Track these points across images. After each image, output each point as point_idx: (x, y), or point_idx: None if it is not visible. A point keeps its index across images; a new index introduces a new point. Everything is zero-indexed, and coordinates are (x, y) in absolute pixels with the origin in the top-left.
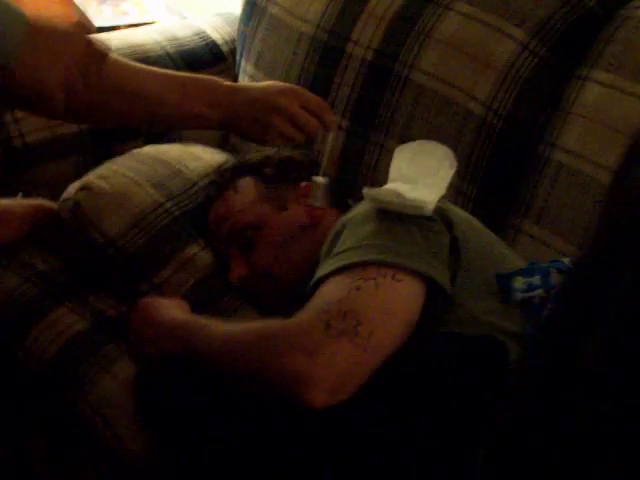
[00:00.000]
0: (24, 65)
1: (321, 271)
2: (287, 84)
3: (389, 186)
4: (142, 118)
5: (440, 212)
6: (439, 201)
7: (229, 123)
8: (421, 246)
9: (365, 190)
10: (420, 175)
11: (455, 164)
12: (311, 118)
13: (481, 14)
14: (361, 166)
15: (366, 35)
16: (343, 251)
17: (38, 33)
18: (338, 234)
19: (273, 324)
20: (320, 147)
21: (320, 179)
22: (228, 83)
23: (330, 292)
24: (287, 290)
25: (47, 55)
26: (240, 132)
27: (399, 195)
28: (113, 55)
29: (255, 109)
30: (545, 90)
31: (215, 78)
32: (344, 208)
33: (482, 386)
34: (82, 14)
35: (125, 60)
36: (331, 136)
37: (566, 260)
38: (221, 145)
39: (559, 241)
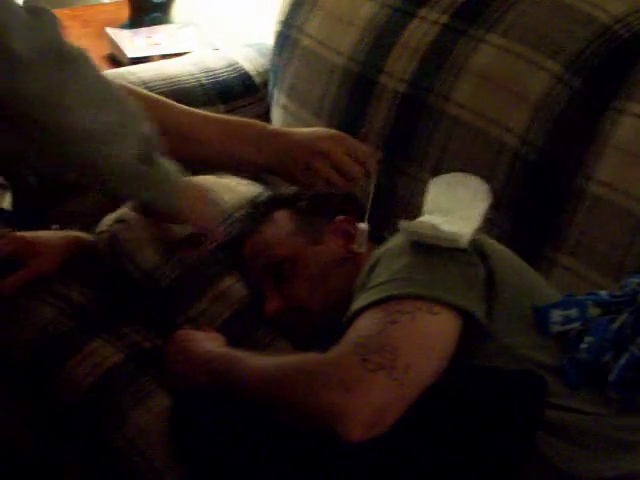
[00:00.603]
0: None
1: (356, 304)
2: (332, 130)
3: (424, 218)
4: (184, 158)
5: (475, 245)
6: (474, 234)
7: (272, 166)
8: (457, 279)
9: (401, 223)
10: (455, 207)
11: (489, 197)
12: (354, 164)
13: (514, 46)
14: (395, 198)
15: (399, 67)
16: (378, 284)
17: None
18: (373, 267)
19: (309, 358)
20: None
21: (364, 226)
22: (272, 127)
23: (366, 326)
24: (322, 324)
25: None
26: (283, 175)
27: (434, 227)
28: (156, 95)
29: (299, 153)
30: (580, 122)
31: (258, 121)
32: (379, 241)
33: (520, 420)
34: None
35: (166, 100)
36: (373, 182)
37: (603, 293)
38: (254, 177)
39: (594, 274)
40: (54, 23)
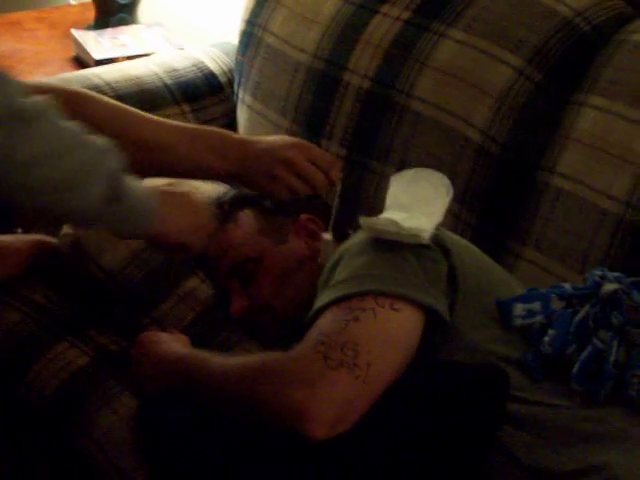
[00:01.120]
0: None
1: (319, 302)
2: (295, 138)
3: (385, 215)
4: (149, 167)
5: (437, 240)
6: (436, 229)
7: (237, 175)
8: (419, 275)
9: (361, 220)
10: (417, 203)
11: (452, 191)
12: (318, 173)
13: (476, 41)
14: (360, 194)
15: (362, 63)
16: (340, 282)
17: None
18: (335, 264)
19: (271, 357)
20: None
21: (328, 237)
22: (237, 135)
23: (328, 324)
24: (287, 322)
25: None
26: (248, 184)
27: (395, 224)
28: (118, 103)
29: (263, 161)
30: (542, 116)
31: (224, 130)
32: (342, 237)
33: (482, 414)
34: None
35: (130, 108)
36: (336, 191)
37: (567, 286)
38: None
39: (559, 267)
40: (7, 83)
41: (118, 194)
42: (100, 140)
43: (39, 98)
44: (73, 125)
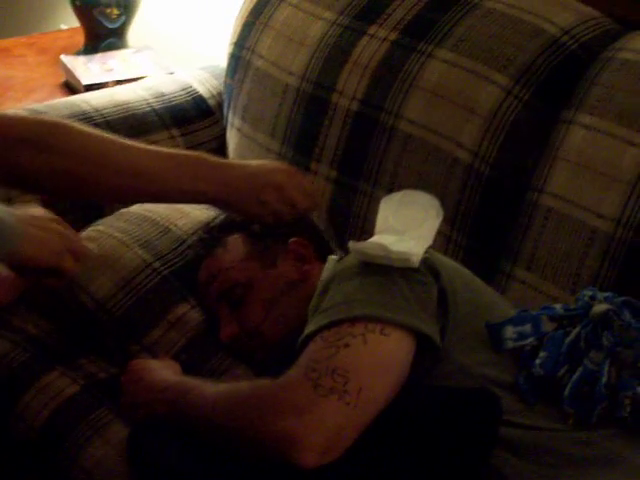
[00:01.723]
0: None
1: (309, 328)
2: (283, 163)
3: (375, 238)
4: (134, 195)
5: (427, 263)
6: (426, 252)
7: (224, 199)
8: (409, 299)
9: (350, 244)
10: (406, 226)
11: (442, 213)
12: (304, 199)
13: (463, 61)
14: (350, 217)
15: (351, 85)
16: (330, 307)
17: None
18: (325, 289)
19: (261, 385)
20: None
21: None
22: (223, 160)
23: (318, 350)
24: (278, 347)
25: None
26: (233, 208)
27: (384, 248)
28: (100, 132)
29: (252, 185)
30: (531, 135)
31: (209, 155)
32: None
33: (474, 438)
34: None
35: (113, 137)
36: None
37: (557, 307)
38: None
39: (550, 286)
40: None
41: None
42: None
43: None
44: None
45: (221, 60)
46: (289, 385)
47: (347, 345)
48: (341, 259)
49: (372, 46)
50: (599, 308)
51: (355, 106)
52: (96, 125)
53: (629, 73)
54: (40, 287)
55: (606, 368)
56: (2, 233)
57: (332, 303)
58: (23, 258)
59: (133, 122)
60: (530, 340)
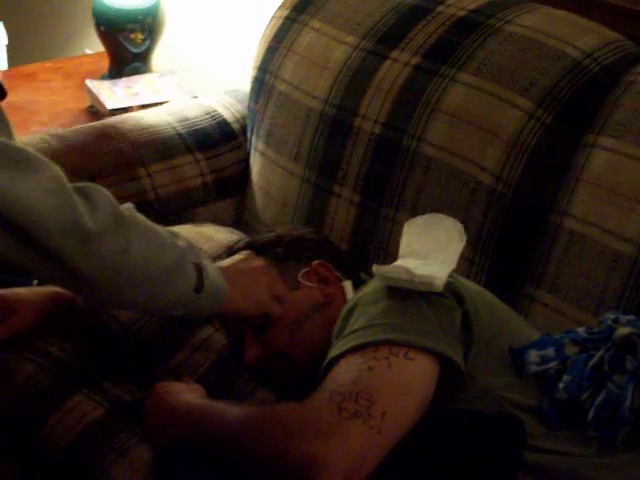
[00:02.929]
0: None
1: (333, 352)
2: None
3: (399, 262)
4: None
5: (451, 287)
6: (450, 275)
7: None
8: (433, 323)
9: (374, 268)
10: (430, 250)
11: (465, 237)
12: None
13: (485, 84)
14: (373, 240)
15: (373, 109)
16: (355, 331)
17: None
18: (350, 312)
19: (286, 408)
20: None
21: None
22: None
23: (342, 373)
24: (302, 370)
25: None
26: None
27: (408, 272)
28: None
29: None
30: (553, 158)
31: None
32: (357, 284)
33: (498, 463)
34: None
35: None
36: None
37: (580, 330)
38: (234, 224)
39: (573, 309)
40: (103, 195)
41: (202, 282)
42: (183, 236)
43: (124, 203)
44: (155, 224)
45: (245, 84)
46: (313, 408)
47: (371, 369)
48: (365, 283)
49: (394, 70)
50: (622, 331)
51: (378, 130)
52: (120, 149)
53: None
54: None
55: (630, 391)
56: (219, 295)
57: (356, 327)
58: (225, 310)
59: (158, 146)
60: (553, 364)
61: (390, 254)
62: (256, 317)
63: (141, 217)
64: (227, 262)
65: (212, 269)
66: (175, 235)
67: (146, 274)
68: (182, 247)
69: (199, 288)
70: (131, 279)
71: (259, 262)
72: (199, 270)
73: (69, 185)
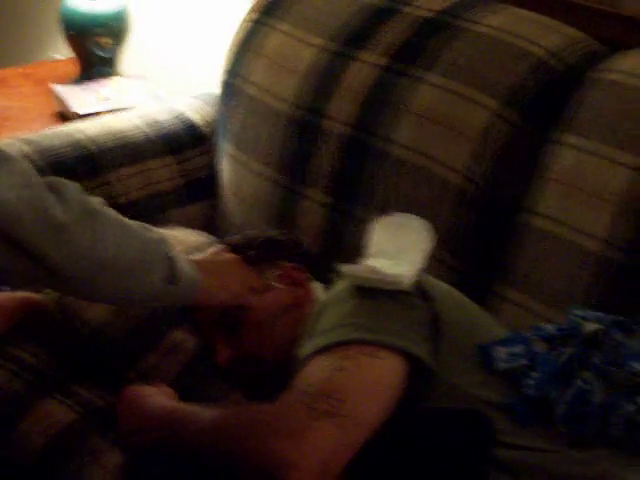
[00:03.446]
0: None
1: (303, 352)
2: None
3: (367, 262)
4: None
5: (419, 286)
6: (418, 275)
7: None
8: (401, 322)
9: (343, 268)
10: (398, 250)
11: (433, 237)
12: None
13: (453, 84)
14: (344, 241)
15: (342, 111)
16: (324, 331)
17: None
18: (319, 313)
19: (257, 409)
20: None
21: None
22: None
23: (312, 373)
24: (274, 371)
25: None
26: None
27: (376, 271)
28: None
29: None
30: (521, 157)
31: None
32: (328, 285)
33: (466, 460)
34: None
35: None
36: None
37: (549, 327)
38: (206, 228)
39: (543, 307)
40: (73, 188)
41: (174, 274)
42: (152, 229)
43: (92, 196)
44: (123, 217)
45: (214, 88)
46: (284, 409)
47: (341, 369)
48: (335, 283)
49: (363, 71)
50: (589, 327)
51: (347, 131)
52: (90, 154)
53: (615, 94)
54: None
55: (597, 387)
56: (192, 288)
57: (326, 327)
58: (200, 302)
59: (128, 150)
60: (522, 361)
61: (360, 255)
62: (231, 309)
63: (112, 210)
64: (201, 255)
65: (185, 261)
66: (147, 228)
67: (119, 265)
68: (154, 239)
69: (172, 279)
70: (104, 270)
71: (232, 255)
72: (172, 262)
73: (39, 179)
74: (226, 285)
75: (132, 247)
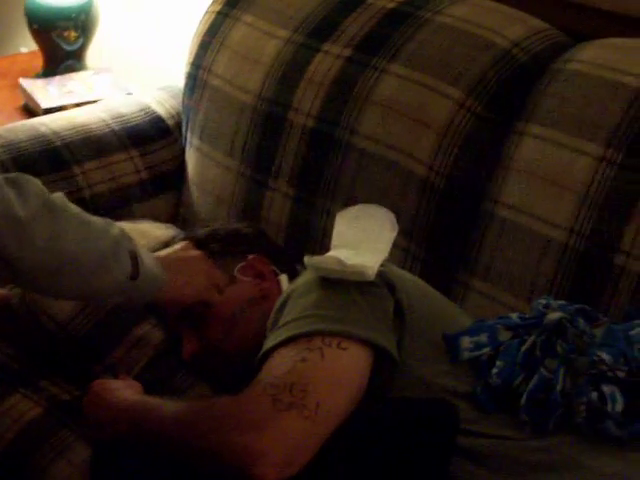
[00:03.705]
0: None
1: (267, 344)
2: None
3: (331, 253)
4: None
5: (383, 276)
6: (382, 265)
7: None
8: (365, 312)
9: (306, 259)
10: (362, 240)
11: (396, 226)
12: None
13: (416, 75)
14: (309, 233)
15: (306, 102)
16: (287, 322)
17: None
18: (283, 305)
19: (221, 401)
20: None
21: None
22: None
23: (276, 365)
24: (239, 364)
25: None
26: None
27: (340, 262)
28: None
29: None
30: (484, 147)
31: None
32: (293, 277)
33: (432, 448)
34: None
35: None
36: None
37: (513, 316)
38: (171, 220)
39: (507, 296)
40: (33, 183)
41: (137, 269)
42: (113, 225)
43: (54, 192)
44: (86, 213)
45: (179, 80)
46: (248, 401)
47: (304, 360)
48: (299, 274)
49: (326, 63)
50: (553, 316)
51: (311, 123)
52: (55, 148)
53: (578, 84)
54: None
55: (561, 375)
56: (154, 284)
57: (289, 319)
58: (164, 300)
59: (92, 144)
60: (486, 350)
61: (326, 246)
62: (195, 305)
63: (73, 205)
64: (165, 251)
65: (147, 257)
66: (109, 223)
67: (80, 260)
68: (116, 234)
69: (135, 275)
70: (65, 266)
71: (197, 252)
72: (134, 257)
73: None
74: (190, 282)
75: (92, 243)
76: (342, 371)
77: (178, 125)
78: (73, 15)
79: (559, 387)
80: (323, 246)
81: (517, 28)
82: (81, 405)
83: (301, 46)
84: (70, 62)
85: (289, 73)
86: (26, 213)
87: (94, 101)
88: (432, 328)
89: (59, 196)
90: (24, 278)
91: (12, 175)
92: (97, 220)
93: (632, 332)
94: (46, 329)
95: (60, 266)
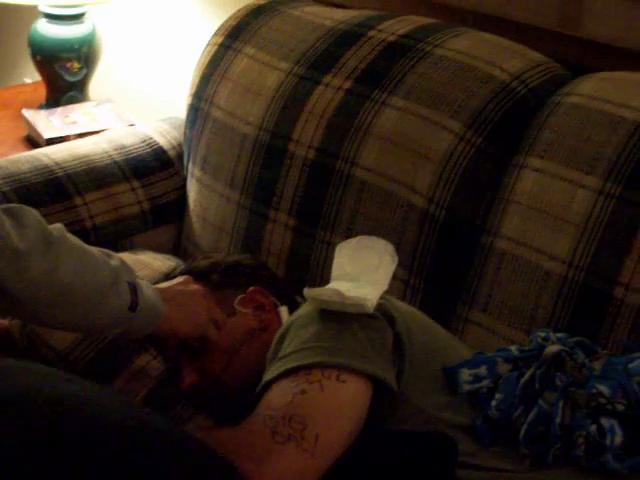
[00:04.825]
0: None
1: (267, 376)
2: None
3: (330, 285)
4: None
5: (382, 308)
6: (381, 297)
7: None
8: (364, 345)
9: (306, 291)
10: (361, 272)
11: (396, 258)
12: None
13: (416, 108)
14: (310, 264)
15: (307, 134)
16: (287, 355)
17: None
18: (282, 337)
19: (220, 433)
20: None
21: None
22: None
23: (275, 398)
24: (238, 396)
25: None
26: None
27: (339, 294)
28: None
29: None
30: (484, 179)
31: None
32: (293, 309)
33: None
34: None
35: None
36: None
37: (512, 348)
38: (173, 251)
39: (506, 328)
40: (31, 214)
41: (137, 301)
42: (113, 256)
43: (52, 223)
44: (85, 244)
45: (181, 112)
46: (248, 432)
47: (304, 392)
48: (299, 306)
49: (327, 95)
50: (552, 349)
51: (311, 155)
52: (57, 179)
53: (577, 116)
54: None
55: (560, 408)
56: (154, 315)
57: (289, 351)
58: (163, 332)
59: (94, 175)
60: (486, 382)
61: (326, 277)
62: (193, 339)
63: (71, 236)
64: (165, 284)
65: (147, 288)
66: (108, 254)
67: (78, 293)
68: (115, 266)
69: (134, 307)
70: (64, 298)
71: (197, 286)
72: (133, 289)
73: None
74: (189, 316)
75: (91, 274)
76: (341, 404)
77: (180, 156)
78: (76, 47)
79: (558, 420)
80: (323, 278)
81: (517, 61)
82: None
83: (302, 78)
84: (73, 93)
85: (290, 105)
86: (24, 245)
87: (97, 132)
88: (431, 360)
89: (58, 227)
90: (23, 309)
91: (11, 206)
92: (96, 251)
93: (631, 365)
94: (46, 360)
95: (58, 298)
